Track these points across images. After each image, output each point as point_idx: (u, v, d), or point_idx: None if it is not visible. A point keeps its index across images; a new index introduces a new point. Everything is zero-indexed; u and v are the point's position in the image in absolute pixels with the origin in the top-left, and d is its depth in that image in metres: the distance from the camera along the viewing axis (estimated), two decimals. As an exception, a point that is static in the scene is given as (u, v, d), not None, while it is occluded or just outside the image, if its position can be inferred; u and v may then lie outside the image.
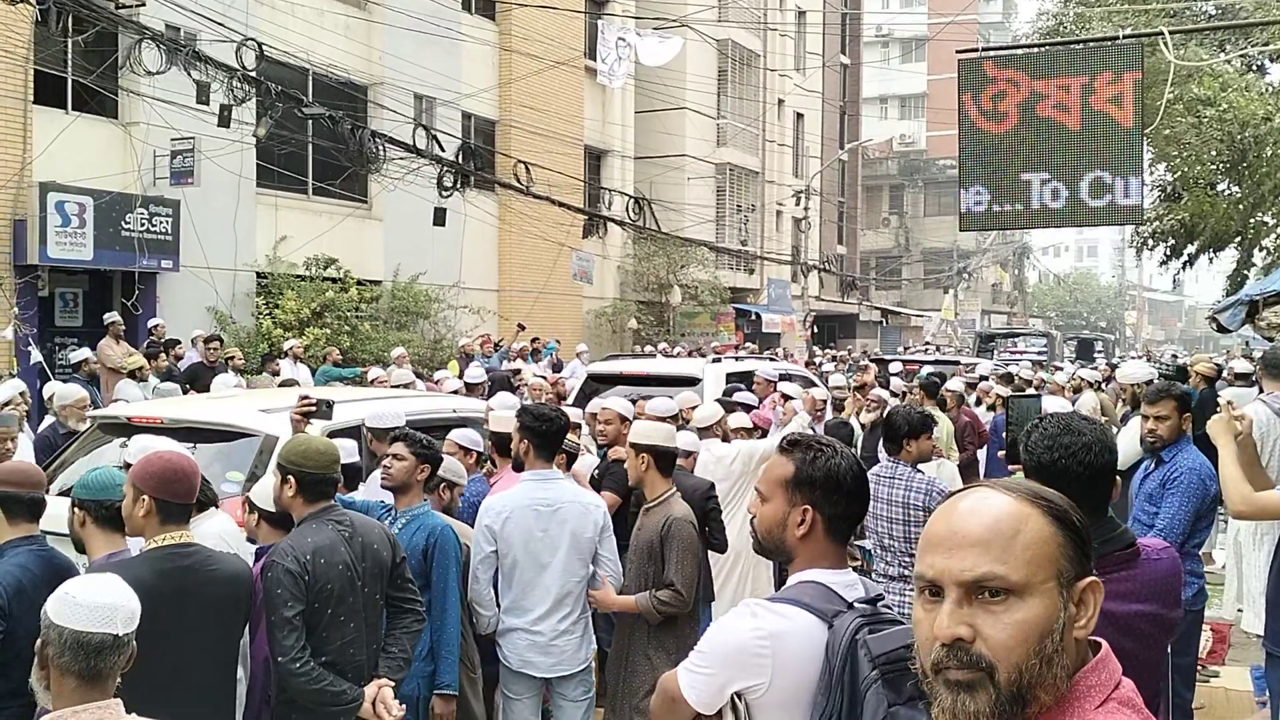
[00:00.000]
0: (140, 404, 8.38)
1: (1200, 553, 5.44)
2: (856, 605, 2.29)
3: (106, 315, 13.44)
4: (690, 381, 10.67)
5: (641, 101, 28.40)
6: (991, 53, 4.94)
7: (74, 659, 2.41)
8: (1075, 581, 1.43)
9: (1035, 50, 5.56)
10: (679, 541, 4.75)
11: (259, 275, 17.30)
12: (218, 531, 4.37)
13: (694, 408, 8.24)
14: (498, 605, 5.04)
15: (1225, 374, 12.55)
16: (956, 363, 20.62)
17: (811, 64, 39.35)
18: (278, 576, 3.70)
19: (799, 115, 39.34)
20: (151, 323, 14.05)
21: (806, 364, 20.61)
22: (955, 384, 11.96)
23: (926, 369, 16.56)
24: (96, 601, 2.46)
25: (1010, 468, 7.32)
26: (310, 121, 15.38)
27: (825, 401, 10.94)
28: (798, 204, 35.94)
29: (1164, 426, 5.05)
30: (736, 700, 2.33)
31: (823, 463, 2.46)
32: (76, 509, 3.71)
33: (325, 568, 3.79)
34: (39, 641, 2.48)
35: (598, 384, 11.28)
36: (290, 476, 3.95)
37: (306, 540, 3.82)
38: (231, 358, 12.88)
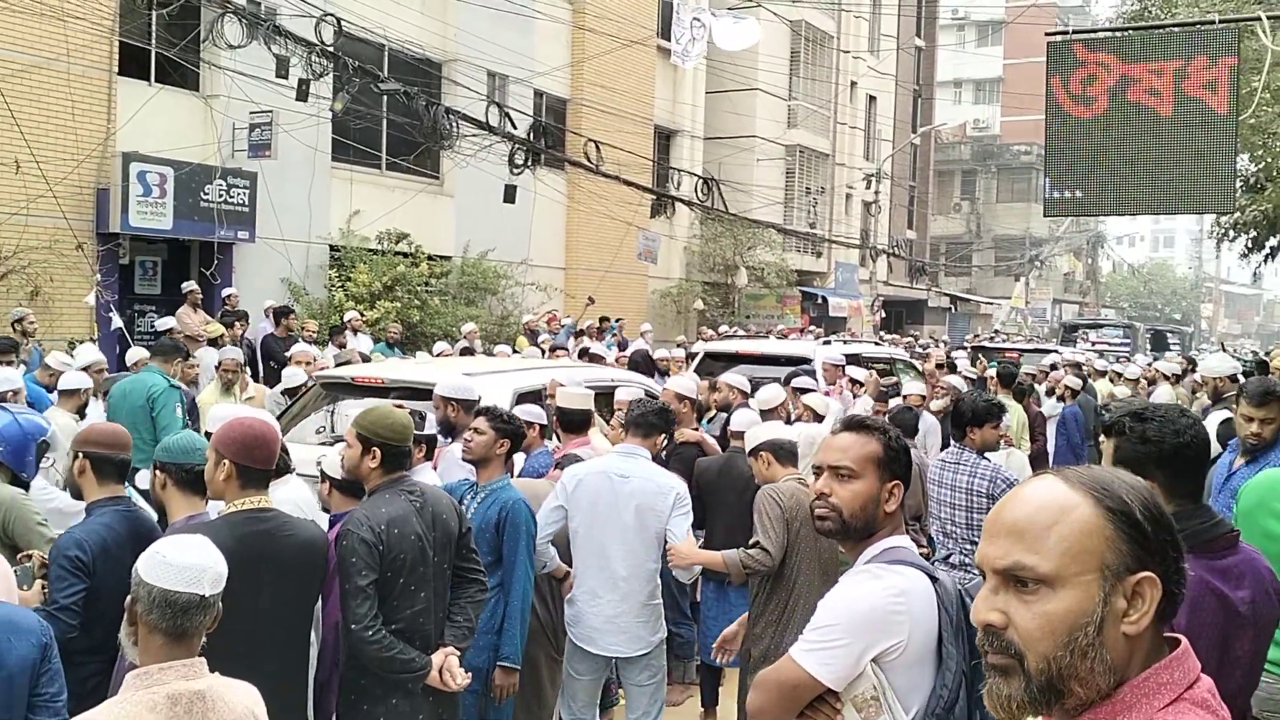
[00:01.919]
0: (363, 365, 9.11)
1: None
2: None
3: (185, 284, 13.74)
4: (802, 361, 10.99)
5: (712, 82, 28.25)
6: (1082, 35, 4.83)
7: (161, 616, 2.48)
8: (1126, 575, 1.39)
9: (1127, 33, 5.41)
10: (764, 508, 4.79)
11: (332, 248, 17.55)
12: (293, 498, 4.46)
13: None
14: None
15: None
16: (1052, 351, 20.38)
17: (886, 46, 38.85)
18: (353, 546, 3.75)
19: (871, 98, 38.88)
20: (225, 292, 14.32)
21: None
22: (1069, 378, 11.79)
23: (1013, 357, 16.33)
24: (185, 562, 2.53)
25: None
26: (385, 97, 15.52)
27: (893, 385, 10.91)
28: (868, 187, 35.54)
29: (1269, 429, 4.93)
30: (873, 666, 2.35)
31: (901, 440, 2.62)
32: (158, 471, 3.79)
33: (399, 538, 3.85)
34: (129, 598, 2.55)
35: (714, 362, 11.72)
36: (375, 448, 3.98)
37: (381, 511, 3.87)
38: (306, 329, 13.09)
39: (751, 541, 4.74)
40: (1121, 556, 1.39)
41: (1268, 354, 24.50)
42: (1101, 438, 4.41)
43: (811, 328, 25.96)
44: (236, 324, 12.45)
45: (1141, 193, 4.71)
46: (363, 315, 15.03)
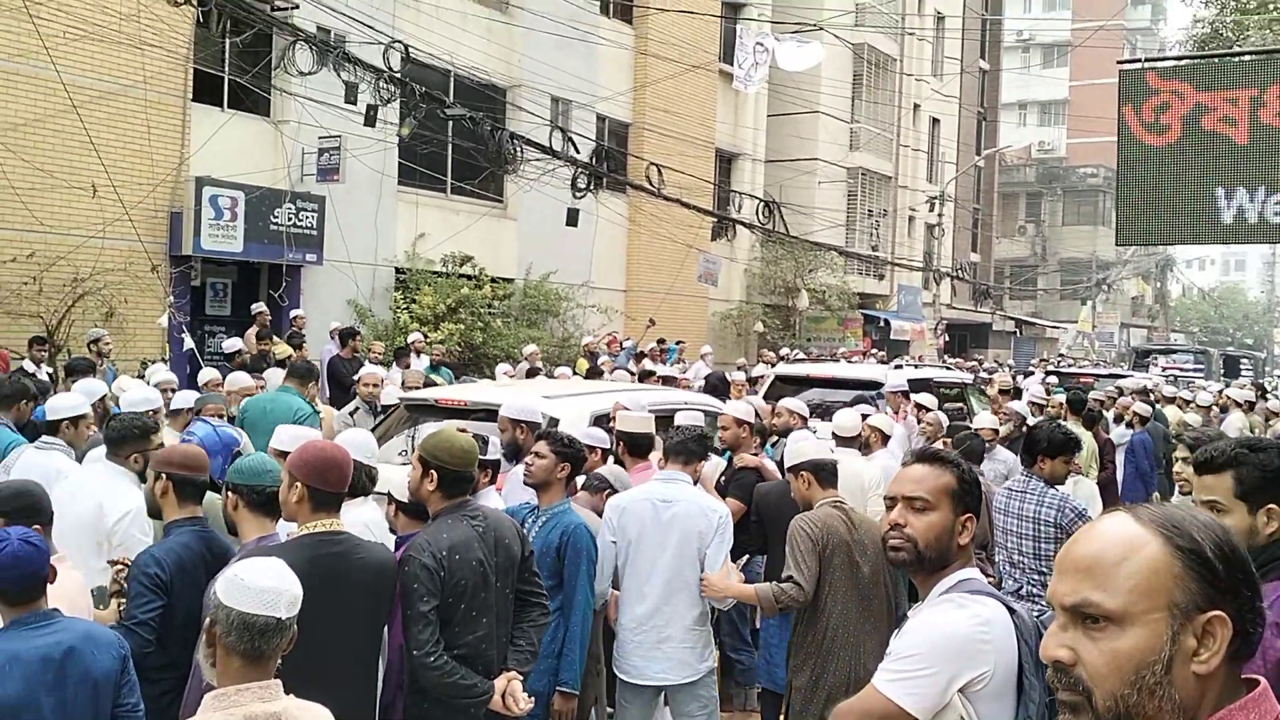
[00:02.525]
0: (446, 388, 9.38)
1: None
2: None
3: (254, 305, 14.00)
4: (873, 385, 10.98)
5: (774, 105, 28.27)
6: (1155, 63, 4.78)
7: (239, 639, 2.54)
8: (1196, 614, 1.38)
9: (1200, 61, 5.33)
10: (795, 540, 4.72)
11: (398, 270, 17.80)
12: (365, 520, 4.51)
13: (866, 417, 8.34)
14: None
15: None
16: (1126, 376, 20.17)
17: (949, 69, 38.61)
18: (415, 571, 3.78)
19: (935, 120, 38.64)
20: (293, 314, 14.57)
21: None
22: (1091, 400, 11.60)
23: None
24: (262, 585, 2.58)
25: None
26: (451, 122, 15.73)
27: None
28: (931, 210, 35.29)
29: None
30: (960, 697, 2.34)
31: (973, 474, 2.63)
32: (230, 493, 3.87)
33: (460, 564, 3.86)
34: (207, 620, 2.61)
35: (785, 385, 11.76)
36: (432, 470, 4.01)
37: (443, 536, 3.89)
38: (371, 350, 13.28)
39: (785, 575, 4.69)
40: (1191, 595, 1.39)
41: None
42: (1188, 470, 4.32)
43: (873, 351, 25.79)
44: (304, 346, 12.67)
45: (1217, 221, 4.64)
46: (427, 337, 15.20)
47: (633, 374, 13.95)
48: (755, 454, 7.28)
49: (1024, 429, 8.53)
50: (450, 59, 17.21)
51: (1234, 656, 1.40)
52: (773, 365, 18.32)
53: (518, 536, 4.24)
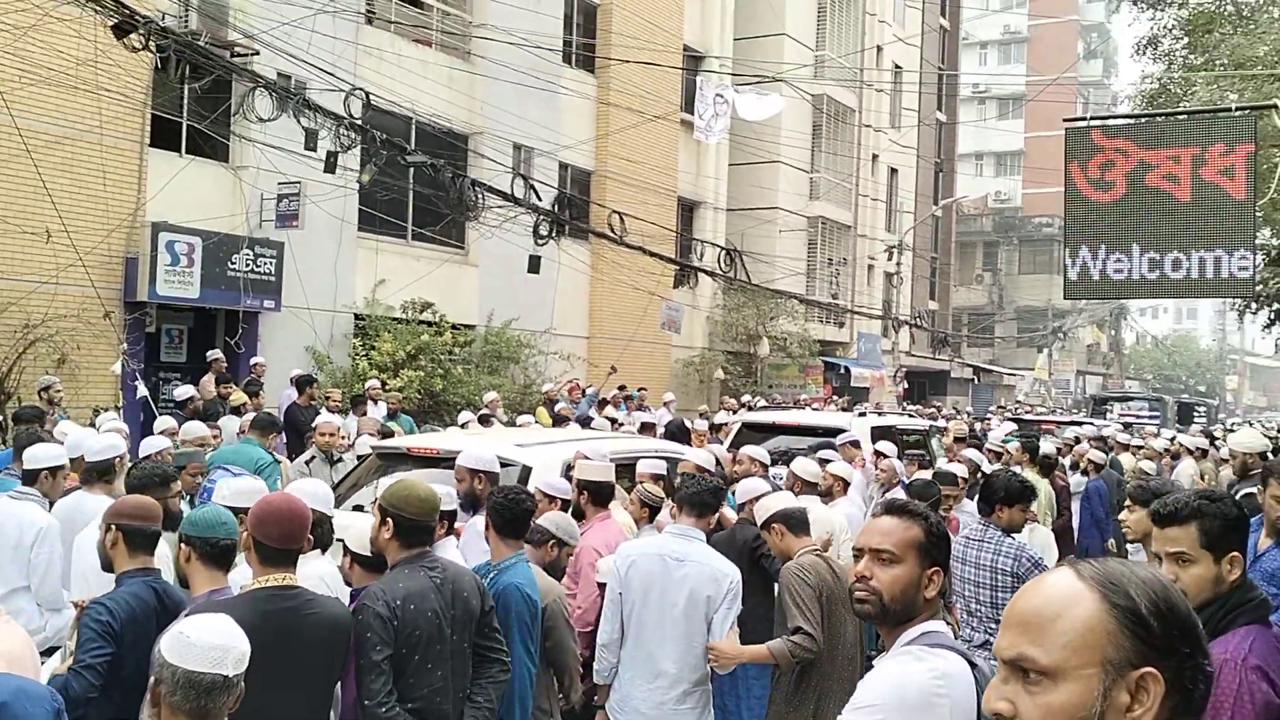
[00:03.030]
0: (419, 436, 9.41)
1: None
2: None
3: (210, 352, 13.86)
4: (838, 433, 11.14)
5: (735, 154, 28.56)
6: (1099, 121, 4.89)
7: (185, 698, 2.48)
8: (1129, 670, 1.40)
9: (1144, 120, 5.46)
10: (795, 589, 4.71)
11: (357, 317, 17.71)
12: (319, 573, 4.45)
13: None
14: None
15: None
16: (1083, 423, 20.56)
17: (907, 120, 39.22)
18: (368, 620, 3.74)
19: (893, 170, 39.17)
20: (253, 361, 14.44)
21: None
22: (1047, 447, 11.69)
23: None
24: (209, 642, 2.53)
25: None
26: (412, 169, 15.74)
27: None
28: (890, 259, 35.69)
29: None
30: None
31: (941, 526, 2.62)
32: (183, 544, 3.79)
33: (415, 613, 3.82)
34: (153, 679, 2.55)
35: (752, 432, 11.79)
36: (389, 519, 4.00)
37: (398, 585, 3.86)
38: (329, 398, 13.16)
39: (792, 627, 4.63)
40: (1124, 652, 1.41)
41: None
42: (1132, 518, 4.35)
43: (834, 398, 25.92)
44: (259, 394, 12.54)
45: (1161, 277, 4.73)
46: (385, 384, 15.11)
47: (616, 423, 13.91)
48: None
49: (979, 476, 8.57)
50: (412, 106, 17.25)
51: (1179, 713, 1.41)
52: (734, 412, 18.40)
53: (477, 590, 4.19)
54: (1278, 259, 19.49)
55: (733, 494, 8.18)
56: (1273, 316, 20.85)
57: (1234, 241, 4.58)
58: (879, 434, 11.74)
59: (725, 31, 28.25)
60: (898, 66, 38.50)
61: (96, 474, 5.92)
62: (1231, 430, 19.28)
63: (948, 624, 2.58)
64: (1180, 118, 5.08)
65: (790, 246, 30.54)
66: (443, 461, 6.99)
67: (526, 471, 6.78)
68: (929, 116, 42.61)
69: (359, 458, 8.96)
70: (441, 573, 4.03)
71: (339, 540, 4.71)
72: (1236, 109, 4.76)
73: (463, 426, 12.43)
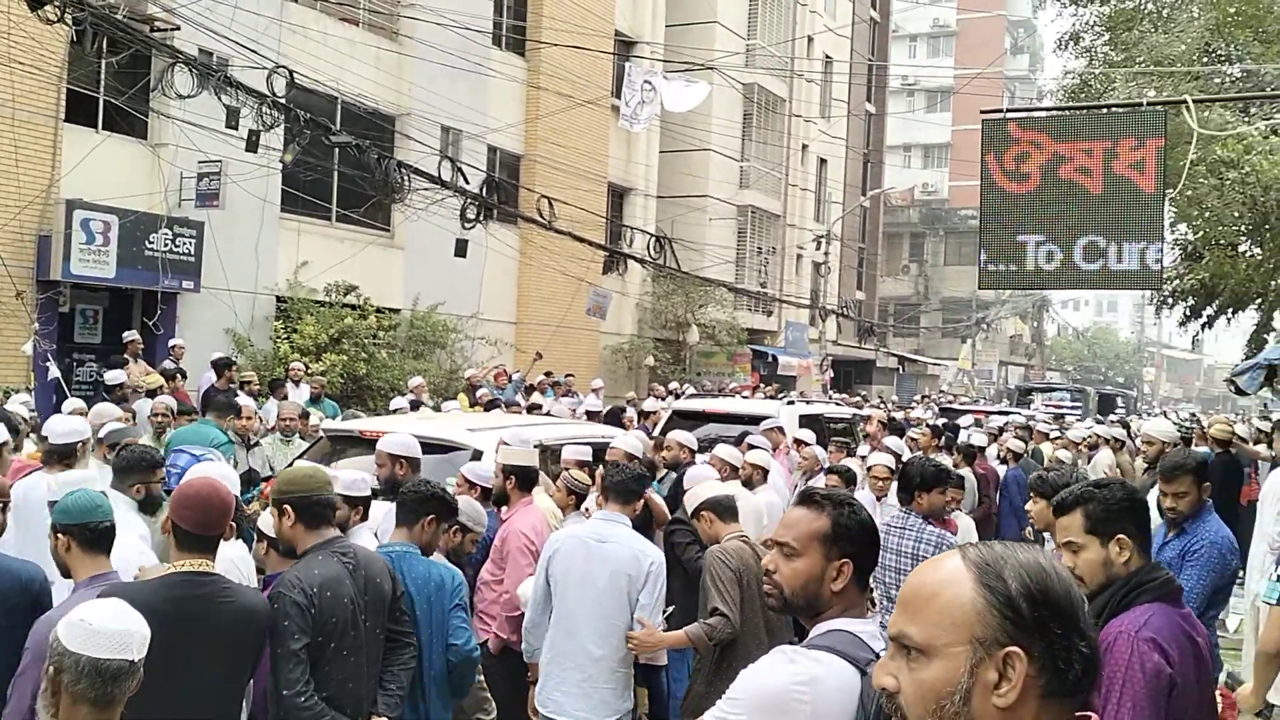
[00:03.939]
0: (371, 420, 9.49)
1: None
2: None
3: (126, 334, 13.52)
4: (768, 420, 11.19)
5: (666, 141, 28.58)
6: (1016, 114, 4.96)
7: (90, 685, 2.44)
8: (997, 649, 1.44)
9: (1059, 113, 5.56)
10: (716, 571, 4.78)
11: (279, 299, 17.41)
12: (231, 557, 4.36)
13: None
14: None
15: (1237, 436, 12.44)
16: (1010, 412, 20.98)
17: (837, 111, 39.55)
18: (285, 609, 3.69)
19: (822, 161, 39.48)
20: (171, 343, 14.11)
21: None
22: (979, 438, 11.89)
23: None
24: (112, 628, 2.47)
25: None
26: (337, 149, 15.50)
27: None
28: (818, 248, 35.99)
29: (1183, 502, 5.00)
30: None
31: (857, 515, 2.52)
32: (60, 534, 3.65)
33: (331, 601, 3.78)
34: (51, 668, 2.48)
35: (683, 420, 12.04)
36: (285, 506, 3.96)
37: (314, 572, 3.81)
38: (248, 382, 12.92)
39: (710, 608, 4.70)
40: (992, 631, 1.45)
41: (1192, 419, 24.98)
42: (1036, 509, 4.46)
43: (762, 386, 26.08)
44: (178, 376, 12.27)
45: (1072, 268, 4.82)
46: (308, 368, 14.86)
47: (518, 406, 13.88)
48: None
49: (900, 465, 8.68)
50: (337, 85, 16.97)
51: (1053, 693, 1.45)
52: (663, 399, 18.45)
53: (389, 575, 4.15)
54: (1194, 254, 20.00)
55: (658, 481, 8.23)
56: (1188, 311, 21.38)
57: (1144, 234, 4.68)
58: (807, 422, 11.94)
59: (657, 18, 28.22)
60: (828, 57, 38.78)
61: (58, 457, 5.84)
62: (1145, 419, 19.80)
63: (871, 617, 2.51)
64: (1094, 112, 5.17)
65: (720, 234, 30.67)
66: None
67: (478, 455, 6.85)
68: (858, 108, 43.01)
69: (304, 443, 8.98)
70: (354, 558, 3.99)
71: (257, 526, 4.66)
72: (1148, 104, 4.86)
73: (392, 413, 12.33)
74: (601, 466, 6.44)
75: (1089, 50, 16.64)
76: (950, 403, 29.65)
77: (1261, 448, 12.30)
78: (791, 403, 13.84)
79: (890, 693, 1.51)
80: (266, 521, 4.44)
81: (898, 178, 56.62)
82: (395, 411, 12.22)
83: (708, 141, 29.45)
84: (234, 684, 3.66)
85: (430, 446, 7.18)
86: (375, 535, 5.58)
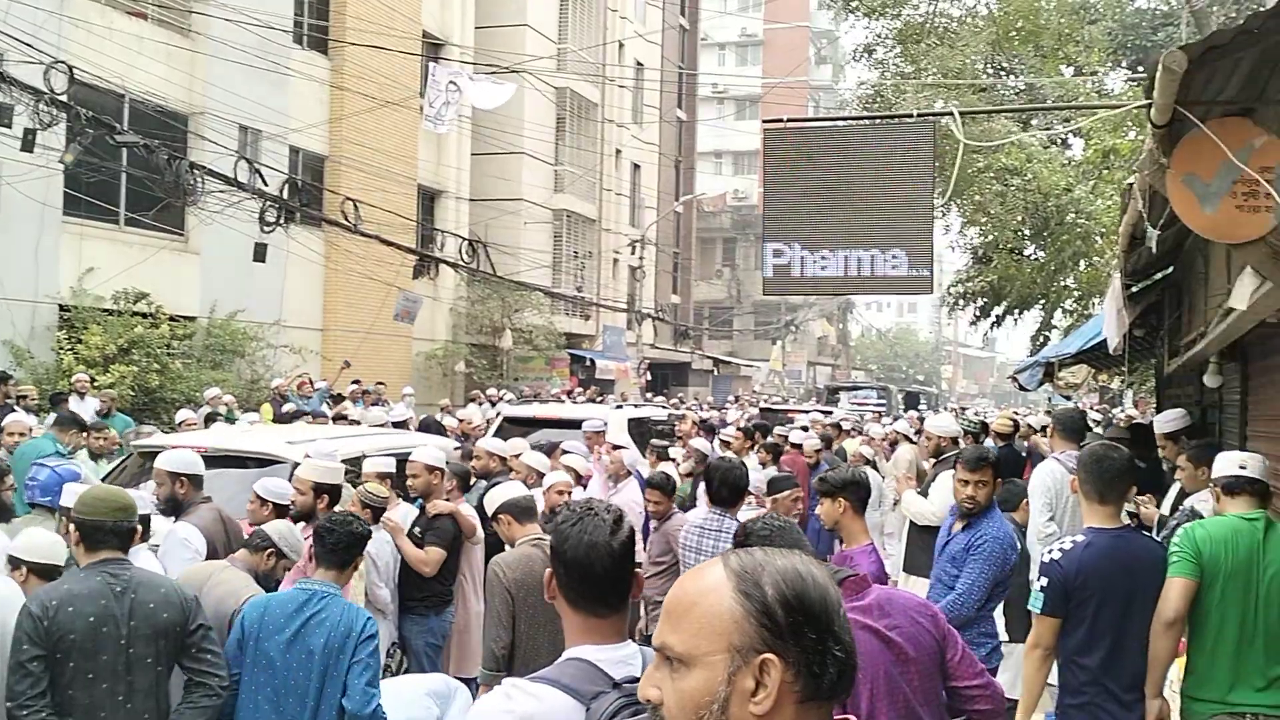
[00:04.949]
0: (189, 434, 9.45)
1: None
2: (625, 684, 2.14)
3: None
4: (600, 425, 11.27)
5: (478, 144, 28.29)
6: (795, 123, 5.09)
7: None
8: (754, 656, 1.44)
9: (836, 123, 5.74)
10: (490, 583, 4.72)
11: (62, 308, 16.37)
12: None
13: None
14: None
15: (1022, 429, 13.17)
16: (826, 411, 21.66)
17: (648, 117, 40.02)
18: (20, 620, 3.68)
19: (636, 166, 39.89)
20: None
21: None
22: (798, 436, 12.21)
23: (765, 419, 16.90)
24: None
25: None
26: (125, 149, 14.71)
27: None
28: (633, 253, 36.34)
29: (983, 492, 5.22)
30: None
31: (564, 531, 2.39)
32: None
33: (70, 617, 3.68)
34: None
35: (514, 426, 12.11)
36: (71, 525, 3.99)
37: (62, 588, 3.78)
38: (24, 396, 12.10)
39: (492, 632, 4.64)
40: (749, 639, 1.44)
41: (977, 415, 26.38)
42: (827, 505, 4.58)
43: (580, 389, 26.13)
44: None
45: (850, 274, 4.98)
46: (94, 380, 14.03)
47: (325, 418, 13.46)
48: (446, 498, 7.11)
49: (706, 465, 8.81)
50: (123, 82, 16.09)
51: (809, 697, 1.44)
52: (481, 404, 18.27)
53: (175, 605, 3.98)
54: (984, 258, 21.10)
55: (470, 489, 8.06)
56: (978, 312, 22.54)
57: (915, 240, 4.87)
58: (634, 426, 12.22)
59: (466, 19, 27.93)
60: (639, 63, 39.21)
61: None
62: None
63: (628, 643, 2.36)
64: (869, 122, 5.36)
65: (535, 239, 30.58)
66: (211, 460, 6.98)
67: (295, 468, 6.65)
68: (670, 114, 43.65)
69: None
70: (125, 582, 3.87)
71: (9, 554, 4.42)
72: (918, 115, 5.06)
73: (177, 426, 11.79)
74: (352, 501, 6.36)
75: (882, 62, 17.34)
76: (776, 403, 30.53)
77: (1040, 438, 13.03)
78: (619, 406, 14.09)
79: (655, 704, 1.49)
80: (19, 546, 4.36)
81: (710, 184, 57.71)
82: (182, 424, 11.74)
83: (521, 145, 29.32)
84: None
85: (247, 460, 7.28)
86: (159, 558, 5.36)
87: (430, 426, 14.01)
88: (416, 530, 6.76)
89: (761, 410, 24.10)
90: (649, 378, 37.37)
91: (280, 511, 5.81)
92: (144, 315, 16.75)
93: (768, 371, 50.73)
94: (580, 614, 2.33)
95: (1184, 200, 3.45)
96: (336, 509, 6.01)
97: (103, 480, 7.68)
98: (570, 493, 7.34)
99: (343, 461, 6.74)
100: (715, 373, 49.09)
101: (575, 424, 11.83)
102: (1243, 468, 4.37)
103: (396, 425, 12.89)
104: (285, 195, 16.39)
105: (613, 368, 33.74)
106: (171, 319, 17.22)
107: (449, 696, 4.45)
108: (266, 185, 15.55)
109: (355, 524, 4.52)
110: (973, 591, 5.14)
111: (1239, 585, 4.11)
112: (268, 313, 19.75)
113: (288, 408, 14.22)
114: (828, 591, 1.49)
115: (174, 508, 5.96)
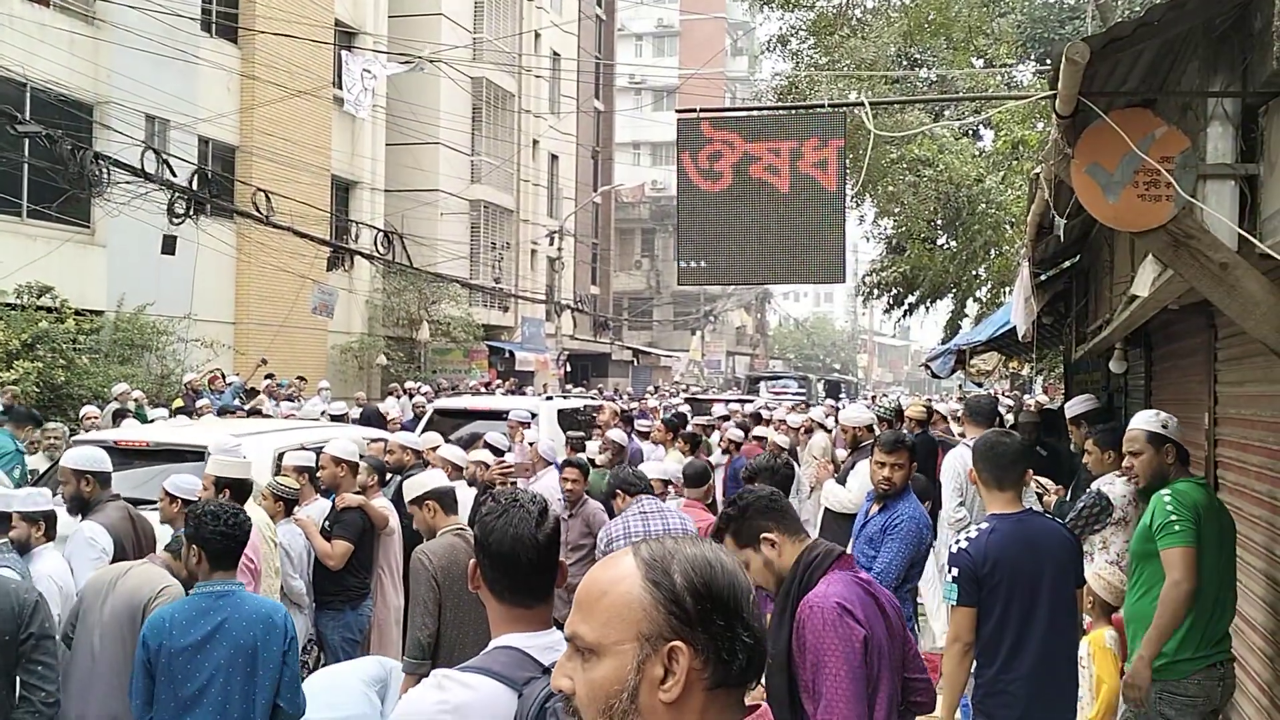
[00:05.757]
0: (129, 429, 9.29)
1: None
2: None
3: None
4: (530, 415, 11.50)
5: (393, 135, 27.96)
6: (709, 114, 5.13)
7: None
8: (662, 644, 1.44)
9: (749, 113, 5.80)
10: (414, 572, 4.75)
11: (-40, 304, 15.83)
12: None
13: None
14: None
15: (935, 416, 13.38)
16: (749, 400, 21.99)
17: (566, 108, 39.90)
18: None
19: (554, 157, 39.76)
20: None
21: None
22: (731, 429, 12.32)
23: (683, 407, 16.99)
24: None
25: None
26: (26, 140, 14.27)
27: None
28: (552, 244, 36.24)
29: (899, 474, 5.35)
30: None
31: (489, 523, 2.38)
32: None
33: None
34: None
35: (445, 419, 12.14)
36: None
37: None
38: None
39: (417, 622, 4.63)
40: (658, 626, 1.45)
41: (891, 404, 26.89)
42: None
43: (498, 381, 26.00)
44: None
45: (762, 263, 5.05)
46: (-4, 377, 13.61)
47: (241, 412, 13.24)
48: (361, 491, 7.04)
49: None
50: (24, 71, 15.59)
51: (719, 684, 1.45)
52: (399, 398, 18.08)
53: (10, 612, 3.80)
54: (897, 247, 21.44)
55: (386, 483, 8.00)
56: (891, 301, 22.90)
57: (826, 230, 4.96)
58: (564, 416, 12.39)
59: (379, 8, 27.54)
60: (555, 53, 39.05)
61: None
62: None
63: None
64: (781, 113, 5.43)
65: (452, 230, 30.32)
66: (155, 454, 7.32)
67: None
68: (587, 104, 43.56)
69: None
70: None
71: None
72: (829, 105, 5.14)
73: (80, 420, 11.56)
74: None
75: (796, 54, 17.49)
76: (698, 393, 30.79)
77: (954, 425, 13.29)
78: (550, 398, 14.10)
79: (568, 695, 1.49)
80: None
81: (628, 174, 57.74)
82: (84, 419, 11.53)
83: (436, 135, 29.03)
84: None
85: (184, 454, 7.23)
86: (65, 557, 5.26)
87: (372, 418, 14.10)
88: (326, 523, 6.71)
89: (689, 401, 24.26)
90: (568, 369, 37.32)
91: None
92: (48, 310, 16.27)
93: (687, 362, 50.97)
94: (505, 605, 2.33)
95: (1088, 190, 3.54)
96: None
97: (39, 480, 7.61)
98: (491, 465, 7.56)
99: (311, 451, 7.02)
100: (635, 363, 49.21)
101: (503, 415, 11.84)
102: (1165, 427, 4.57)
103: (335, 419, 12.88)
104: (194, 186, 16.06)
105: (532, 359, 33.64)
106: (77, 313, 16.74)
107: (386, 681, 4.33)
108: (175, 176, 15.21)
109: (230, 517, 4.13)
110: (890, 570, 5.26)
111: (1214, 544, 4.35)
112: (178, 306, 19.31)
113: (201, 403, 13.93)
114: (736, 578, 1.50)
115: (80, 506, 5.82)
